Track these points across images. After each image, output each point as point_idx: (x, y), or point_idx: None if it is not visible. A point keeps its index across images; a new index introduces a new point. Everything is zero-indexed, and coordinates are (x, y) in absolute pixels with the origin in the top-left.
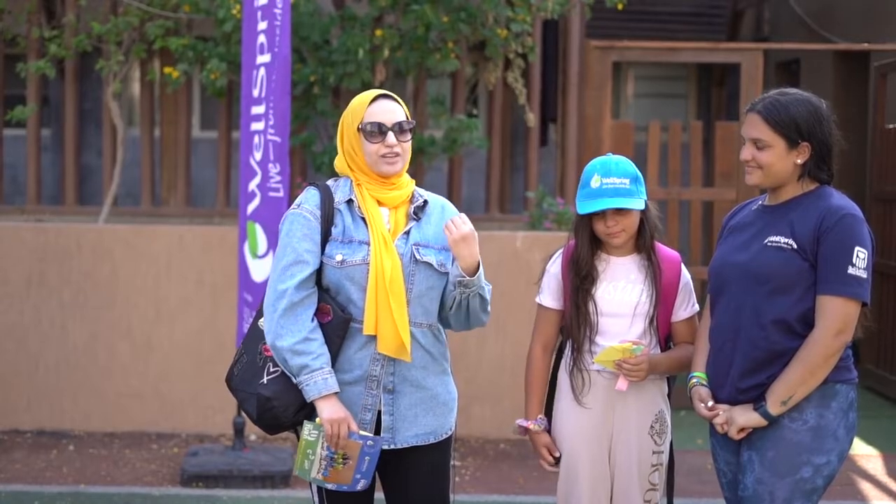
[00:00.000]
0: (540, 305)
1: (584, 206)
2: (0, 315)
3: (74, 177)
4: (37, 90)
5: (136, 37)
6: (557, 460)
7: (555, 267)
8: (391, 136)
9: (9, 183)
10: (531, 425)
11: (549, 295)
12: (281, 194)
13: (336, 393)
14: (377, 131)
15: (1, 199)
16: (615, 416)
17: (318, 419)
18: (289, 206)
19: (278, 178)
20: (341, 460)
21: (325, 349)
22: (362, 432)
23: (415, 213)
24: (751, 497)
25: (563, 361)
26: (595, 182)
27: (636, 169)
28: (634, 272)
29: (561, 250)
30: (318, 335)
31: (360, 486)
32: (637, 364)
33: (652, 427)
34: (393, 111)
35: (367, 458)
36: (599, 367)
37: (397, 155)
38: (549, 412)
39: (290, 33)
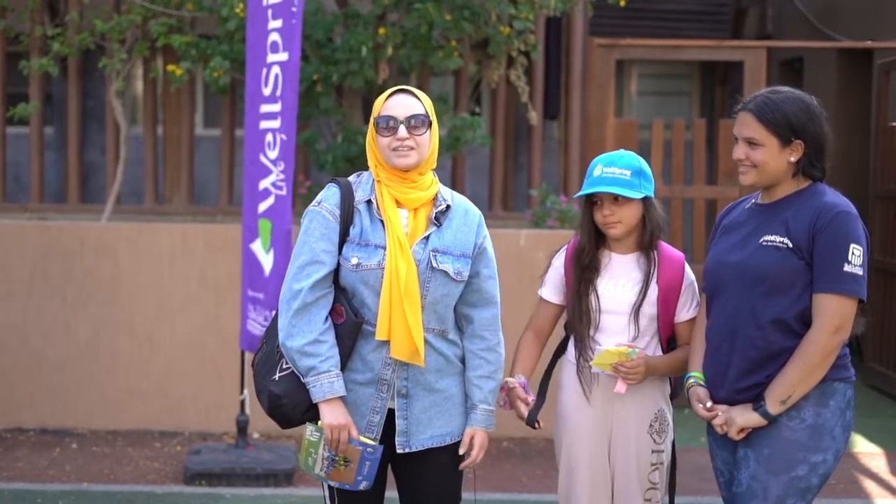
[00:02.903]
0: (540, 298)
1: (582, 191)
2: (3, 313)
3: (77, 175)
4: (40, 88)
5: (140, 34)
6: (532, 417)
7: (559, 261)
8: (402, 129)
9: (12, 181)
10: (509, 381)
11: (550, 288)
12: (284, 192)
13: (342, 397)
14: (388, 125)
15: (4, 197)
16: (614, 415)
17: (320, 422)
18: (292, 203)
19: (282, 175)
20: (342, 462)
21: (334, 351)
22: (363, 439)
23: (436, 218)
24: (744, 493)
25: (563, 358)
26: (597, 171)
27: (644, 165)
28: (636, 270)
29: (566, 245)
30: (330, 337)
31: (363, 486)
32: (633, 368)
33: (651, 425)
34: (407, 105)
35: (367, 462)
36: (597, 369)
37: (411, 148)
38: (549, 411)
39: (301, 33)
